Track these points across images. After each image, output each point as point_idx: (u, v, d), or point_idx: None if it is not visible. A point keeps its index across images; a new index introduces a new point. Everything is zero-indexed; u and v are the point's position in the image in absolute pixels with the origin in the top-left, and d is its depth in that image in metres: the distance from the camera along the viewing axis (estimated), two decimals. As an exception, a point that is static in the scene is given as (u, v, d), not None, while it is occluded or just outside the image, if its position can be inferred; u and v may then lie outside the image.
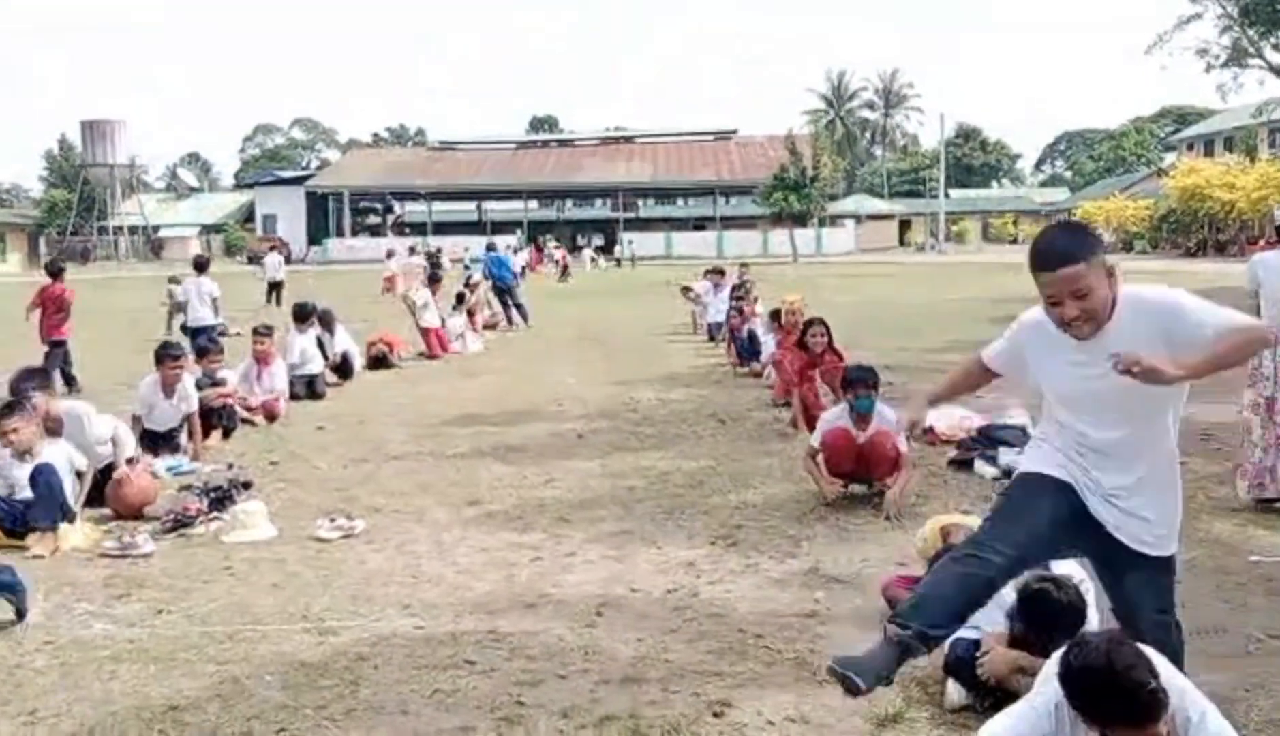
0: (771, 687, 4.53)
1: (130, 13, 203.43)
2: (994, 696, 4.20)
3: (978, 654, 4.23)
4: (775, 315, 14.99)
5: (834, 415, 7.84)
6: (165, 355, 9.65)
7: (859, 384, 7.65)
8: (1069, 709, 3.18)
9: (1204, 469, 8.17)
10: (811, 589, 5.82)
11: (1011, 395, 10.01)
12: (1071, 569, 4.42)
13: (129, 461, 7.98)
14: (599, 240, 68.96)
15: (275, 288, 31.13)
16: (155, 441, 9.40)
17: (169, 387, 9.51)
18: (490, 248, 28.76)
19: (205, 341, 12.68)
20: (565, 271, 49.65)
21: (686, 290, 22.46)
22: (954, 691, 4.28)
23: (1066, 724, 3.23)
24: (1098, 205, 74.29)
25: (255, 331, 12.58)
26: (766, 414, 11.31)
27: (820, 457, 7.65)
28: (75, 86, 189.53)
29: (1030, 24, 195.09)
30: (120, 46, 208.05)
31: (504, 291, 23.92)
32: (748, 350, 14.77)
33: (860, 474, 7.68)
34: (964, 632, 4.13)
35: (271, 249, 37.99)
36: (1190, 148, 78.18)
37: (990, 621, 4.21)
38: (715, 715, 4.28)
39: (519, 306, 23.61)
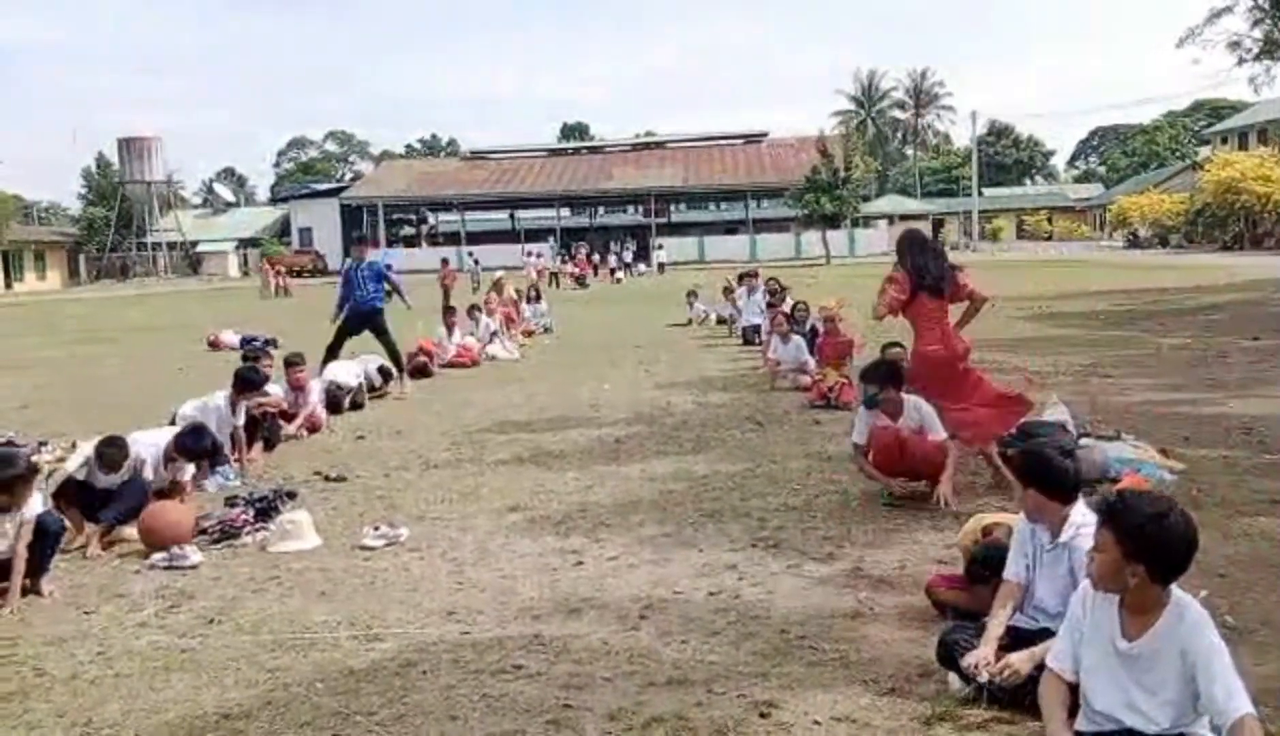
0: (817, 687, 4.54)
1: (165, 30, 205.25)
2: (991, 685, 4.23)
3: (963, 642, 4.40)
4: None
5: (868, 415, 7.85)
6: (244, 381, 9.86)
7: (868, 379, 7.92)
8: (1089, 593, 3.73)
9: (1247, 462, 8.12)
10: (854, 589, 5.83)
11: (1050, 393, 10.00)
12: None
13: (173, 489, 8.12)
14: (632, 245, 68.99)
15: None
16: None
17: (237, 408, 9.69)
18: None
19: (255, 350, 12.80)
20: (582, 279, 50.20)
21: (727, 291, 22.64)
22: (955, 680, 4.38)
23: (1090, 605, 3.74)
24: (1133, 200, 73.69)
25: (288, 361, 12.16)
26: (804, 416, 11.32)
27: (870, 457, 7.71)
28: (111, 104, 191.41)
29: (1061, 19, 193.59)
30: (155, 64, 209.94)
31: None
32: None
33: (909, 471, 7.68)
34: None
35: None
36: (1224, 141, 77.34)
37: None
38: (762, 715, 4.29)
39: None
